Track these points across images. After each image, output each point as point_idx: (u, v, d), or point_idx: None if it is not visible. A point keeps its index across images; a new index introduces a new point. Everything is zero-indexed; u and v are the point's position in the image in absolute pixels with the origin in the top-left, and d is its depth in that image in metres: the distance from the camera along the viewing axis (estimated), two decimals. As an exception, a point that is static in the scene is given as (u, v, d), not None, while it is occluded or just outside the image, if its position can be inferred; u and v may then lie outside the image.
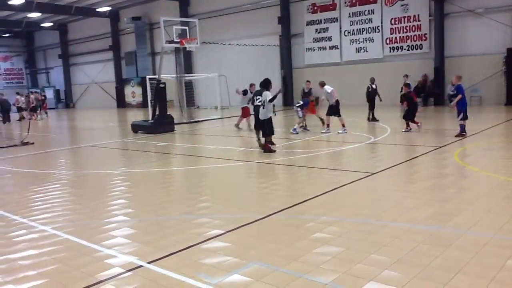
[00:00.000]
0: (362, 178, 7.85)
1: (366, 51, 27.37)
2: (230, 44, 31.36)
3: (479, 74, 23.22)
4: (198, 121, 21.56)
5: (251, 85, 16.27)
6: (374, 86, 17.89)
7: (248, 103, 15.62)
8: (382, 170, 8.41)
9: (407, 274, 4.00)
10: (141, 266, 4.51)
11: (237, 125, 16.88)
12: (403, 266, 4.17)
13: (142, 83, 35.94)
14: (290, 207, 6.28)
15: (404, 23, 25.80)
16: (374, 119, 17.37)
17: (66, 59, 47.82)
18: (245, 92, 16.36)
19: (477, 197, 6.48)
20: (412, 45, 25.64)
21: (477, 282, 3.80)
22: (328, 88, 14.51)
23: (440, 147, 10.80)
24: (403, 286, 3.79)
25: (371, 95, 17.75)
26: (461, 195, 6.64)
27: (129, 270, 4.41)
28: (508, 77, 21.87)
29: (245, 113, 16.47)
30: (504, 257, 4.26)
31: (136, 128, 18.18)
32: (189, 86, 24.75)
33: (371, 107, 17.63)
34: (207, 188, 8.14)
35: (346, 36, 28.17)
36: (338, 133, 13.80)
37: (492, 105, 22.41)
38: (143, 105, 36.33)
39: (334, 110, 14.40)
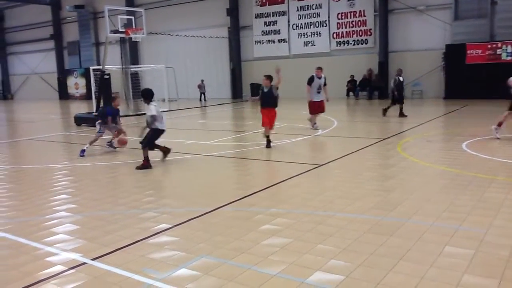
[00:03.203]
0: (310, 170, 7.97)
1: (314, 45, 27.79)
2: (178, 35, 30.88)
3: (421, 69, 24.20)
4: (144, 114, 21.06)
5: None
6: (401, 79, 15.93)
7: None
8: (329, 162, 8.57)
9: (353, 262, 4.10)
10: (84, 263, 4.34)
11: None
12: (349, 255, 4.27)
13: (85, 74, 34.70)
14: (239, 199, 6.27)
15: (350, 18, 26.39)
16: (402, 114, 15.60)
17: (3, 48, 45.33)
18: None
19: (418, 186, 6.74)
20: (358, 39, 26.29)
21: (418, 268, 3.94)
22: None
23: (384, 139, 11.16)
24: (349, 274, 3.87)
25: (399, 88, 15.80)
26: (403, 185, 6.88)
27: (72, 268, 4.23)
28: (446, 72, 22.91)
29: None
30: (443, 243, 4.45)
31: (80, 120, 17.54)
32: (135, 78, 24.14)
33: (400, 101, 15.74)
34: (155, 181, 7.98)
35: (294, 29, 28.46)
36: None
37: (432, 98, 23.43)
38: (87, 97, 35.19)
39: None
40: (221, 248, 4.55)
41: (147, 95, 9.03)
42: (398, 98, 15.77)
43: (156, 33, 28.80)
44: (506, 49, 21.29)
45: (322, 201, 6.09)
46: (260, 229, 5.06)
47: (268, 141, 10.44)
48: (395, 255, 4.23)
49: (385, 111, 16.19)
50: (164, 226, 5.26)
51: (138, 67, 27.47)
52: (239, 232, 4.99)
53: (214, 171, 8.50)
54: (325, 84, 13.57)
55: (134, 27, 20.31)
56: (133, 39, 21.07)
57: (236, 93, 30.81)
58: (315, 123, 13.49)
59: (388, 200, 6.04)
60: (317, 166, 8.25)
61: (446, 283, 3.66)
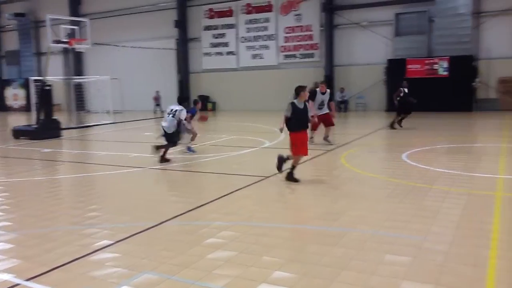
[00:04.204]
0: (256, 182, 7.99)
1: (262, 58, 28.13)
2: (124, 46, 30.30)
3: (364, 82, 25.06)
4: (89, 126, 20.46)
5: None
6: (406, 90, 15.80)
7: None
8: (276, 173, 8.63)
9: (297, 273, 4.12)
10: (17, 284, 4.11)
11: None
12: (294, 266, 4.29)
13: (25, 85, 33.23)
14: (184, 213, 6.17)
15: (298, 32, 26.97)
16: (393, 126, 15.77)
17: None
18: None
19: (361, 196, 6.92)
20: (305, 53, 26.87)
21: (360, 277, 4.02)
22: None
23: (329, 150, 11.40)
24: (294, 285, 3.89)
25: (405, 100, 15.64)
26: (347, 195, 7.04)
27: (4, 290, 4.00)
28: (388, 85, 23.82)
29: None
30: (384, 252, 4.57)
31: (18, 133, 16.73)
32: (79, 89, 23.35)
33: (406, 112, 15.78)
34: (97, 196, 7.72)
35: (242, 42, 28.70)
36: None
37: (375, 111, 24.26)
38: (27, 108, 33.67)
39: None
40: (165, 263, 4.45)
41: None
42: (404, 108, 15.70)
43: (102, 44, 28.10)
44: (442, 65, 22.46)
45: (267, 212, 6.12)
46: (205, 243, 5.00)
47: (292, 173, 7.95)
48: (339, 264, 4.30)
49: (394, 123, 15.86)
50: (105, 242, 5.09)
51: (82, 78, 26.64)
52: (184, 246, 4.90)
53: (159, 185, 8.35)
54: (331, 100, 12.52)
55: (78, 37, 19.74)
56: (76, 50, 20.46)
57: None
58: (327, 136, 12.39)
59: (332, 211, 6.15)
60: (264, 178, 8.29)
61: (386, 291, 3.76)
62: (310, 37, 26.61)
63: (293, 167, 7.92)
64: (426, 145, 11.47)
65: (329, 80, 25.80)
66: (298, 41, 26.93)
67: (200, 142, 13.44)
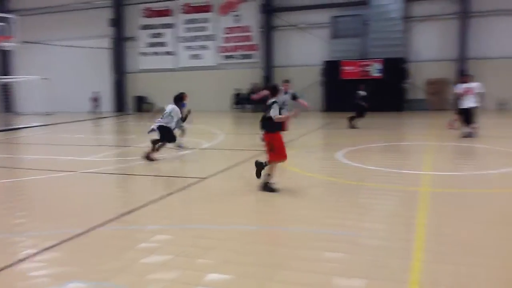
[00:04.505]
0: (193, 184, 7.87)
1: (201, 58, 27.94)
2: (56, 45, 28.98)
3: (302, 83, 25.46)
4: (17, 129, 19.36)
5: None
6: (363, 93, 16.15)
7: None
8: (212, 175, 8.56)
9: (233, 274, 4.08)
10: None
11: None
12: (230, 267, 4.25)
13: None
14: (116, 218, 5.94)
15: (236, 33, 27.03)
16: (352, 122, 15.91)
17: None
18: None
19: (298, 196, 7.00)
20: (244, 54, 26.99)
21: (297, 275, 4.04)
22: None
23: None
24: (229, 286, 3.85)
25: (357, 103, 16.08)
26: (285, 195, 7.09)
27: None
28: (325, 86, 24.41)
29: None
30: (321, 249, 4.64)
31: None
32: (6, 90, 22.07)
33: (359, 114, 15.97)
34: (24, 202, 7.27)
35: (181, 42, 28.36)
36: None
37: (312, 111, 24.72)
38: None
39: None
40: (95, 270, 4.25)
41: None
42: (363, 109, 15.92)
43: (32, 42, 26.72)
44: (375, 66, 23.34)
45: (203, 214, 6.03)
46: (139, 247, 4.84)
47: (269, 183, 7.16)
48: (276, 264, 4.30)
49: (351, 123, 15.94)
50: (31, 251, 4.79)
51: (8, 78, 25.18)
52: (115, 252, 4.72)
53: (91, 189, 8.01)
54: (295, 98, 11.94)
55: (6, 34, 18.64)
56: (3, 48, 19.32)
57: (120, 106, 29.71)
58: None
59: (269, 211, 6.18)
60: (200, 179, 8.19)
61: (321, 288, 3.81)
62: (249, 38, 26.76)
63: (268, 175, 7.06)
64: (360, 144, 11.84)
65: (267, 81, 26.12)
66: (237, 42, 27.01)
67: (135, 145, 13.09)
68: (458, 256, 4.37)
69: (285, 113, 11.19)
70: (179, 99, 10.86)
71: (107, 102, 29.88)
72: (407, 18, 23.65)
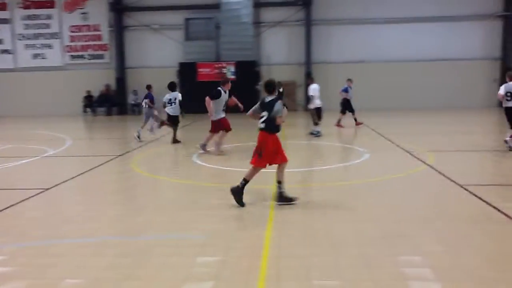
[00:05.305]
0: (34, 195, 7.14)
1: (45, 58, 25.72)
2: None
3: (158, 85, 24.90)
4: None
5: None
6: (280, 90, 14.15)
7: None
8: (58, 184, 7.88)
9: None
10: None
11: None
12: (71, 284, 3.92)
13: None
14: None
15: (85, 31, 25.46)
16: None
17: None
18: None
19: (149, 201, 6.80)
20: (94, 54, 25.55)
21: (144, 285, 3.89)
22: None
23: (119, 155, 10.99)
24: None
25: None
26: (135, 201, 6.85)
27: None
28: (181, 88, 24.22)
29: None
30: (167, 255, 4.52)
31: None
32: None
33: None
34: None
35: (20, 40, 25.77)
36: None
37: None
38: None
39: None
40: None
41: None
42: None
43: None
44: (230, 69, 23.96)
45: (46, 228, 5.51)
46: (-40, 274, 4.20)
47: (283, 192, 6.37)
48: (121, 275, 4.09)
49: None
50: None
51: None
52: None
53: None
54: (230, 96, 10.85)
55: None
56: None
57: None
58: (205, 145, 10.90)
59: (118, 219, 5.88)
60: (44, 190, 7.48)
61: (168, 296, 3.70)
62: (99, 37, 25.41)
63: (246, 181, 6.26)
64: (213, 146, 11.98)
65: (120, 83, 25.13)
66: (86, 41, 25.44)
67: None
68: (300, 249, 4.63)
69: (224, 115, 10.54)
70: (175, 86, 13.25)
71: None
72: (257, 23, 24.72)
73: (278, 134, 6.34)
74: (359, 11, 24.23)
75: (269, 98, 6.30)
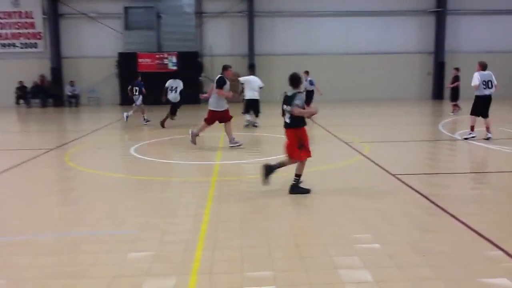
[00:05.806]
0: (-46, 192, 6.68)
1: (-30, 46, 24.11)
2: None
3: (96, 75, 24.21)
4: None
5: None
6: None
7: None
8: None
9: None
10: None
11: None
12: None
13: None
14: None
15: (16, 18, 24.09)
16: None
17: None
18: None
19: (84, 196, 6.54)
20: (26, 43, 24.26)
21: (69, 283, 3.73)
22: None
23: (53, 149, 10.51)
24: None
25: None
26: (68, 197, 6.56)
27: None
28: (121, 79, 23.57)
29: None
30: (97, 252, 4.36)
31: None
32: None
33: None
34: None
35: None
36: None
37: (109, 105, 23.75)
38: None
39: None
40: None
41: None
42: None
43: None
44: (172, 59, 23.53)
45: (-36, 228, 5.15)
46: None
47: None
48: (46, 274, 3.89)
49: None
50: None
51: None
52: None
53: None
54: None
55: None
56: None
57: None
58: (196, 135, 10.33)
59: (49, 215, 5.60)
60: (-34, 186, 7.01)
61: (95, 294, 3.57)
62: (32, 25, 24.13)
63: (299, 176, 6.28)
64: (153, 138, 11.74)
65: (56, 73, 24.04)
66: (17, 28, 24.08)
67: None
68: (236, 241, 4.61)
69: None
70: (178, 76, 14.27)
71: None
72: (200, 14, 24.40)
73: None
74: (301, 4, 24.52)
75: (291, 92, 6.22)
